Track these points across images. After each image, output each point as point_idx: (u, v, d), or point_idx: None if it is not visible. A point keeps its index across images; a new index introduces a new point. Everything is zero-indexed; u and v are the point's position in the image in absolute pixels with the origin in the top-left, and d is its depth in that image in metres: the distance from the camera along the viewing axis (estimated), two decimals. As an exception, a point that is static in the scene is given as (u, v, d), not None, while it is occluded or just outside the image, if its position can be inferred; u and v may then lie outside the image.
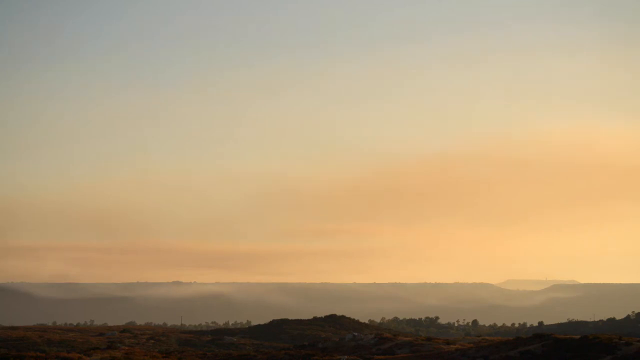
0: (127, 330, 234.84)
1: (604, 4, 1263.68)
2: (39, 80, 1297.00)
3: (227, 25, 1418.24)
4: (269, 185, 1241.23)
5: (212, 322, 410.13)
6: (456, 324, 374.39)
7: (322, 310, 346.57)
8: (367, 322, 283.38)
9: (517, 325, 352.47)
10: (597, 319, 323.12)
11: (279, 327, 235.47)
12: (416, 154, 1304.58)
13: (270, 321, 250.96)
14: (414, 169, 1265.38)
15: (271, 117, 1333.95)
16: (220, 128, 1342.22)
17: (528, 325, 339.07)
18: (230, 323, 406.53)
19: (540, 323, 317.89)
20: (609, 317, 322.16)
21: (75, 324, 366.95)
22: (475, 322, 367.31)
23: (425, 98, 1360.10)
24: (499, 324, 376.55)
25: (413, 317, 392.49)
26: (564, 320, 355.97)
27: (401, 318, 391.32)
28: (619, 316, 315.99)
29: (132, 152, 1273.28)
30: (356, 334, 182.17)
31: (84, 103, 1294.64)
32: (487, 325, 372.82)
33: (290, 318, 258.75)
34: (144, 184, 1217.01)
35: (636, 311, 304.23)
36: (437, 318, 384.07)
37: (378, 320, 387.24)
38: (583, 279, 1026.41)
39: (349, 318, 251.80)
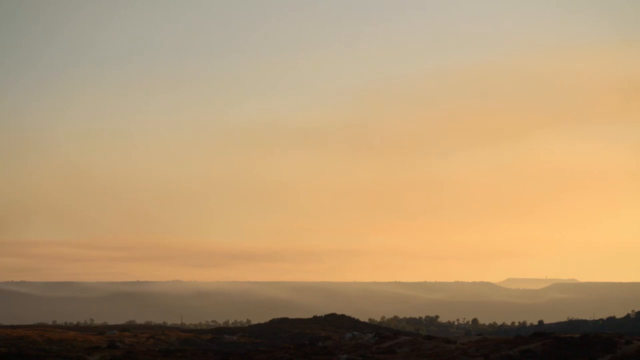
0: (127, 329, 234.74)
1: None
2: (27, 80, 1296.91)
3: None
4: (269, 182, 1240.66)
5: (212, 321, 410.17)
6: (456, 323, 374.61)
7: (322, 309, 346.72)
8: (367, 320, 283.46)
9: (517, 324, 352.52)
10: (597, 318, 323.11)
11: (279, 326, 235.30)
12: (415, 151, 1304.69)
13: (270, 320, 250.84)
14: (414, 166, 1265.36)
15: (269, 114, 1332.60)
16: (217, 125, 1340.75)
17: (528, 324, 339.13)
18: (230, 322, 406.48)
19: (541, 322, 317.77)
20: (609, 315, 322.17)
21: (75, 323, 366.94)
22: (475, 320, 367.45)
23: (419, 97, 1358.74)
24: (499, 322, 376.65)
25: (413, 316, 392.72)
26: (564, 319, 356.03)
27: (401, 317, 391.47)
28: (619, 315, 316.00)
29: (130, 150, 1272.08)
30: (356, 332, 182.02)
31: (80, 100, 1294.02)
32: (487, 324, 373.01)
33: (290, 317, 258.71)
34: (144, 182, 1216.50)
35: (636, 310, 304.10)
36: (437, 317, 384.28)
37: (378, 319, 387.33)
38: (583, 278, 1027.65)
39: (349, 317, 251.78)
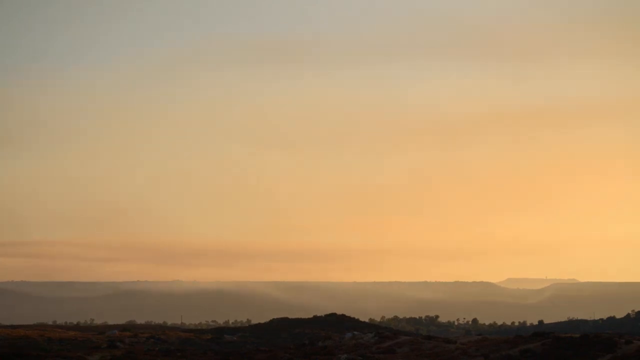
0: (127, 329, 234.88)
1: None
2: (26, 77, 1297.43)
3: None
4: (271, 181, 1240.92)
5: (212, 321, 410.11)
6: (456, 323, 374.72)
7: (322, 309, 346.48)
8: (367, 320, 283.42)
9: (517, 323, 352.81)
10: (597, 318, 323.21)
11: (280, 326, 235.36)
12: (415, 150, 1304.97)
13: (271, 320, 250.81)
14: (414, 165, 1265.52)
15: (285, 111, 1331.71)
16: (218, 123, 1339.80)
17: (528, 323, 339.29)
18: (231, 322, 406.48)
19: (540, 322, 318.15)
20: (609, 315, 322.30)
21: (75, 323, 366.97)
22: (475, 320, 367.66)
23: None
24: (499, 322, 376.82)
25: (413, 316, 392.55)
26: (564, 318, 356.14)
27: (401, 317, 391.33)
28: (619, 315, 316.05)
29: (129, 148, 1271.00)
30: (356, 332, 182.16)
31: (74, 98, 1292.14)
32: (487, 323, 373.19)
33: (290, 317, 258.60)
34: (144, 181, 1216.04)
35: (636, 310, 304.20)
36: (437, 317, 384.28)
37: (378, 319, 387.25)
38: (583, 278, 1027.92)
39: (349, 317, 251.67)
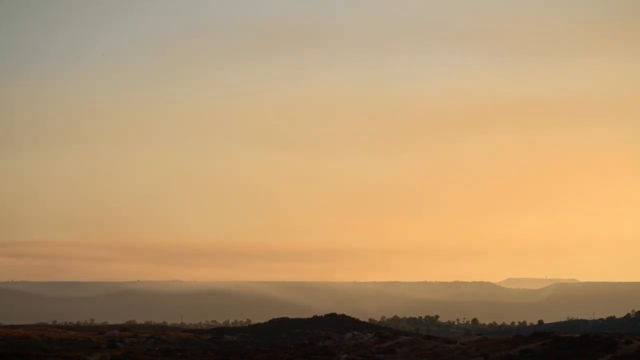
0: (127, 329, 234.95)
1: None
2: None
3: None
4: (271, 180, 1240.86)
5: (212, 321, 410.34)
6: (456, 323, 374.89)
7: (322, 309, 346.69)
8: (367, 320, 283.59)
9: (517, 323, 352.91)
10: (597, 318, 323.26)
11: (279, 326, 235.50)
12: (415, 150, 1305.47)
13: (271, 320, 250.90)
14: (413, 164, 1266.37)
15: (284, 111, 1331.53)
16: (216, 123, 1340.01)
17: (528, 323, 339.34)
18: (230, 322, 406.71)
19: (540, 322, 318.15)
20: (609, 315, 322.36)
21: (75, 323, 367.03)
22: (475, 320, 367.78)
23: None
24: (499, 322, 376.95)
25: (413, 316, 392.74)
26: (564, 318, 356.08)
27: (401, 317, 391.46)
28: (619, 315, 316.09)
29: (129, 148, 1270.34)
30: (356, 332, 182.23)
31: (74, 98, 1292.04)
32: (487, 323, 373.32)
33: (290, 317, 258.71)
34: (143, 181, 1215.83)
35: (636, 310, 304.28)
36: (437, 317, 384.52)
37: (378, 319, 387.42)
38: (583, 278, 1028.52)
39: (349, 317, 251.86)
